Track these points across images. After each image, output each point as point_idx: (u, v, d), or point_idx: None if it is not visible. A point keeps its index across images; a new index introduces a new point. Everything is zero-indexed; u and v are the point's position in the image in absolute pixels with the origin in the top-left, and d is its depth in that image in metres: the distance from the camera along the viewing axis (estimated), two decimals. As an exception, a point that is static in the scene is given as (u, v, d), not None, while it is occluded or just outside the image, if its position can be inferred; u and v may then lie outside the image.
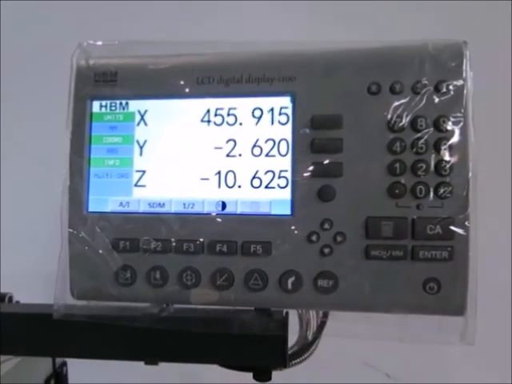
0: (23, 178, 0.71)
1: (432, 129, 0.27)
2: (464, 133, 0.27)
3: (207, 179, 0.30)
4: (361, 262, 0.27)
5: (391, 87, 0.28)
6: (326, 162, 0.28)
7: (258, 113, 0.29)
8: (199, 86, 0.30)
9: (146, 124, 0.30)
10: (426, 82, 0.27)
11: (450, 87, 0.27)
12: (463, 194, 0.27)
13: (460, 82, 0.27)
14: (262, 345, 0.29)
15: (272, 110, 0.29)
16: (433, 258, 0.27)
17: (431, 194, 0.27)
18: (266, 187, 0.29)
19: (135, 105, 0.31)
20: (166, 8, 0.69)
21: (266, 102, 0.29)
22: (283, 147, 0.29)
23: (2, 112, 0.72)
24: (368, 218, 0.27)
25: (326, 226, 0.28)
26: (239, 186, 0.29)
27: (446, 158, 0.27)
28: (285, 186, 0.29)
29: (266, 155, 0.29)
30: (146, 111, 0.30)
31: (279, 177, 0.29)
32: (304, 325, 0.33)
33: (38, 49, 0.71)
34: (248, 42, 0.30)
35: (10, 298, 0.38)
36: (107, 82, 0.31)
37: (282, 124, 0.29)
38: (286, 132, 0.29)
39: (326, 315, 0.32)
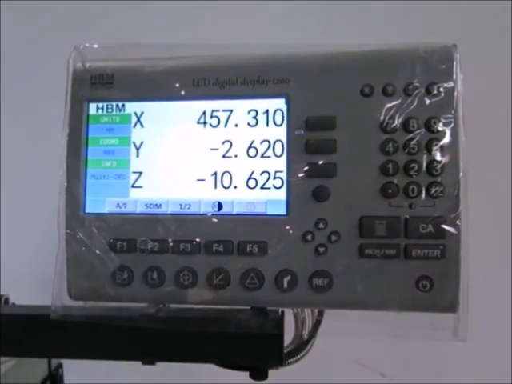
0: (19, 179, 0.70)
1: (423, 130, 0.28)
2: (455, 133, 0.28)
3: (203, 180, 0.30)
4: (355, 260, 0.28)
5: (383, 89, 0.28)
6: (321, 162, 0.29)
7: (253, 114, 0.30)
8: (195, 88, 0.30)
9: (142, 126, 0.31)
10: (417, 84, 0.28)
11: (441, 89, 0.28)
12: (454, 193, 0.27)
13: (450, 84, 0.28)
14: (259, 343, 0.30)
15: (267, 111, 0.30)
16: (425, 257, 0.27)
17: (423, 194, 0.28)
18: (262, 188, 0.29)
19: (132, 107, 0.31)
20: (162, 11, 0.69)
21: (261, 104, 0.30)
22: (278, 148, 0.29)
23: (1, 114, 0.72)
24: (362, 217, 0.28)
25: (321, 225, 0.28)
26: (235, 187, 0.30)
27: (438, 158, 0.28)
28: (280, 187, 0.29)
29: (262, 156, 0.30)
30: (142, 113, 0.31)
31: (274, 177, 0.29)
32: (299, 324, 0.34)
33: (34, 51, 0.71)
34: (243, 44, 0.30)
35: (7, 300, 0.38)
36: (104, 85, 0.31)
37: (277, 125, 0.30)
38: (281, 133, 0.29)
39: (321, 314, 0.33)
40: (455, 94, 0.28)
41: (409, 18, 0.66)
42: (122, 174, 0.31)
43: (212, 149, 0.30)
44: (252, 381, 0.33)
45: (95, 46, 0.32)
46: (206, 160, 0.30)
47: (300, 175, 0.29)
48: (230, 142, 0.30)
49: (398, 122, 0.28)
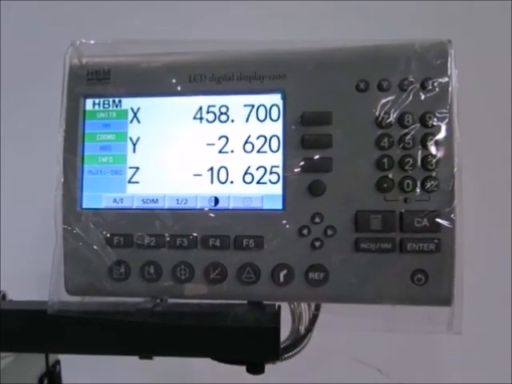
0: (15, 176, 0.70)
1: (418, 125, 0.28)
2: (449, 128, 0.28)
3: (200, 175, 0.30)
4: (350, 254, 0.28)
5: (379, 84, 0.29)
6: (316, 157, 0.29)
7: (249, 110, 0.30)
8: (191, 83, 0.30)
9: (138, 121, 0.31)
10: (412, 79, 0.28)
11: (436, 84, 0.28)
12: (449, 187, 0.28)
13: (445, 80, 0.28)
14: (255, 337, 0.30)
15: (263, 106, 0.30)
16: (420, 250, 0.28)
17: (418, 188, 0.28)
18: (258, 183, 0.30)
19: (128, 102, 0.31)
20: (159, 7, 0.70)
21: (257, 100, 0.30)
22: (274, 143, 0.30)
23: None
24: (357, 211, 0.28)
25: (317, 219, 0.28)
26: (231, 182, 0.30)
27: (433, 152, 0.28)
28: (276, 182, 0.29)
29: (258, 151, 0.30)
30: (138, 109, 0.31)
31: (271, 172, 0.29)
32: (296, 319, 0.34)
33: (31, 48, 0.71)
34: (239, 40, 0.30)
35: (4, 296, 0.38)
36: (100, 80, 0.31)
37: (273, 121, 0.30)
38: (277, 128, 0.30)
39: (317, 308, 0.33)
40: (450, 89, 0.28)
41: (409, 17, 0.67)
42: (119, 170, 0.31)
43: (208, 144, 0.30)
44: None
45: (91, 42, 0.32)
46: (202, 155, 0.30)
47: (296, 170, 0.29)
48: (226, 137, 0.30)
49: (393, 117, 0.28)
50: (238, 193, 0.30)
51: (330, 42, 0.30)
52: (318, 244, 0.28)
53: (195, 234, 0.29)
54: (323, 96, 0.29)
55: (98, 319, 0.31)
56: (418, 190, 0.28)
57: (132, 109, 0.31)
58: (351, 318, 0.29)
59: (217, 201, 0.30)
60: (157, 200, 0.30)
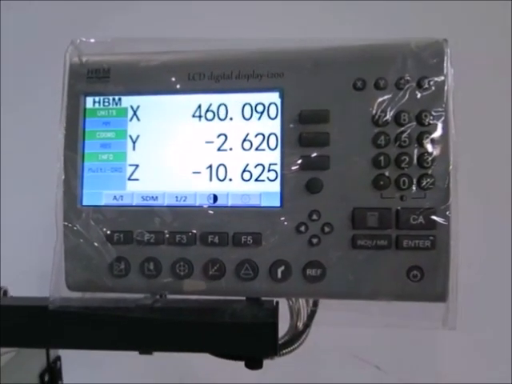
0: (15, 175, 0.71)
1: (415, 123, 0.28)
2: (445, 126, 0.28)
3: (199, 173, 0.30)
4: (347, 251, 0.29)
5: (376, 83, 0.29)
6: (314, 155, 0.29)
7: (247, 108, 0.30)
8: (190, 82, 0.31)
9: (138, 119, 0.31)
10: (408, 78, 0.29)
11: (432, 83, 0.28)
12: (445, 185, 0.28)
13: (441, 78, 0.28)
14: (253, 332, 0.30)
15: (261, 105, 0.30)
16: (416, 247, 0.28)
17: (414, 186, 0.28)
18: (256, 180, 0.30)
19: (128, 100, 0.31)
20: (158, 6, 0.70)
21: (255, 98, 0.30)
22: (272, 141, 0.30)
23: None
24: (354, 209, 0.29)
25: (314, 217, 0.29)
26: (230, 179, 0.30)
27: (428, 150, 0.28)
28: (274, 179, 0.30)
29: (256, 149, 0.30)
30: (138, 107, 0.31)
31: (269, 170, 0.30)
32: (294, 315, 0.34)
33: (30, 46, 0.71)
34: (238, 39, 0.30)
35: (5, 292, 0.38)
36: (100, 79, 0.31)
37: (271, 119, 0.30)
38: (275, 126, 0.30)
39: (315, 304, 0.33)
40: (446, 87, 0.28)
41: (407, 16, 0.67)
42: (119, 167, 0.31)
43: (207, 142, 0.30)
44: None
45: (91, 40, 0.32)
46: (201, 153, 0.30)
47: (294, 168, 0.29)
48: (224, 135, 0.30)
49: (389, 115, 0.29)
50: (237, 190, 0.30)
51: (327, 41, 0.30)
52: (315, 241, 0.29)
53: (194, 231, 0.30)
54: (321, 94, 0.29)
55: (99, 315, 0.31)
56: (414, 188, 0.28)
57: (132, 107, 0.31)
58: (348, 313, 0.30)
59: (215, 198, 0.30)
60: (156, 197, 0.31)
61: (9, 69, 0.72)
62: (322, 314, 0.33)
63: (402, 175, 0.28)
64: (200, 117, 0.31)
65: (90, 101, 0.32)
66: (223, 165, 0.30)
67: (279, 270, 0.29)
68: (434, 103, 0.28)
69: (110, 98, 0.31)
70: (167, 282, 0.30)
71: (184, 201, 0.30)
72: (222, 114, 0.31)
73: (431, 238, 0.28)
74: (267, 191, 0.30)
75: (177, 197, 0.30)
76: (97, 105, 0.32)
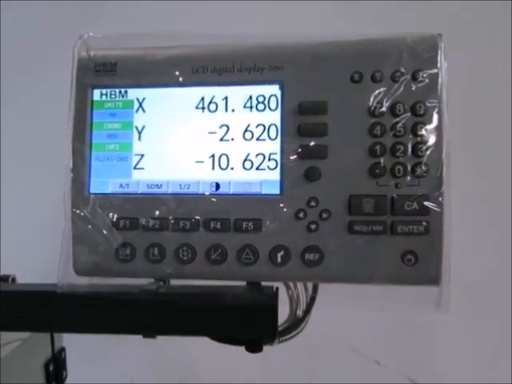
0: (20, 169, 0.72)
1: (409, 114, 0.30)
2: (439, 117, 0.29)
3: (202, 162, 0.32)
4: (344, 236, 0.30)
5: (372, 76, 0.30)
6: (312, 144, 0.30)
7: (249, 100, 0.31)
8: (194, 75, 0.32)
9: (144, 111, 0.32)
10: (403, 70, 0.30)
11: (426, 76, 0.30)
12: (438, 173, 0.29)
13: (435, 71, 0.30)
14: (254, 315, 0.31)
15: (262, 97, 0.31)
16: (410, 232, 0.29)
17: (409, 174, 0.29)
18: (257, 169, 0.31)
19: (134, 93, 0.33)
20: (162, 3, 0.71)
21: (256, 90, 0.31)
22: (273, 131, 0.31)
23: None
24: (351, 196, 0.30)
25: (313, 203, 0.30)
26: (232, 168, 0.31)
27: (423, 140, 0.29)
28: (274, 168, 0.31)
29: (257, 139, 0.31)
30: (144, 99, 0.32)
31: (269, 159, 0.31)
32: (294, 302, 0.35)
33: (40, 41, 0.72)
34: (239, 34, 0.32)
35: (14, 280, 0.39)
36: (107, 72, 0.33)
37: (272, 110, 0.31)
38: (275, 117, 0.31)
39: (315, 290, 0.34)
40: (439, 80, 0.30)
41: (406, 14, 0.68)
42: (125, 157, 0.32)
43: (210, 132, 0.32)
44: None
45: (99, 35, 0.34)
46: (204, 143, 0.32)
47: (293, 157, 0.30)
48: (227, 126, 0.32)
49: (385, 106, 0.30)
50: (238, 178, 0.31)
51: (325, 36, 0.31)
52: (313, 227, 0.30)
53: (197, 218, 0.31)
54: (319, 87, 0.30)
55: (105, 300, 0.32)
56: (408, 176, 0.29)
57: (137, 99, 0.33)
58: (344, 298, 0.31)
59: (218, 186, 0.31)
60: (161, 185, 0.32)
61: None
62: (321, 298, 0.34)
63: (397, 164, 0.30)
64: (203, 108, 0.32)
65: (97, 93, 0.33)
66: (225, 154, 0.31)
67: (279, 255, 0.30)
68: (428, 95, 0.29)
69: (117, 90, 0.33)
70: (171, 267, 0.31)
71: (187, 188, 0.31)
72: (224, 105, 0.32)
73: (425, 223, 0.29)
74: (267, 179, 0.31)
75: (180, 185, 0.32)
76: (104, 97, 0.33)
